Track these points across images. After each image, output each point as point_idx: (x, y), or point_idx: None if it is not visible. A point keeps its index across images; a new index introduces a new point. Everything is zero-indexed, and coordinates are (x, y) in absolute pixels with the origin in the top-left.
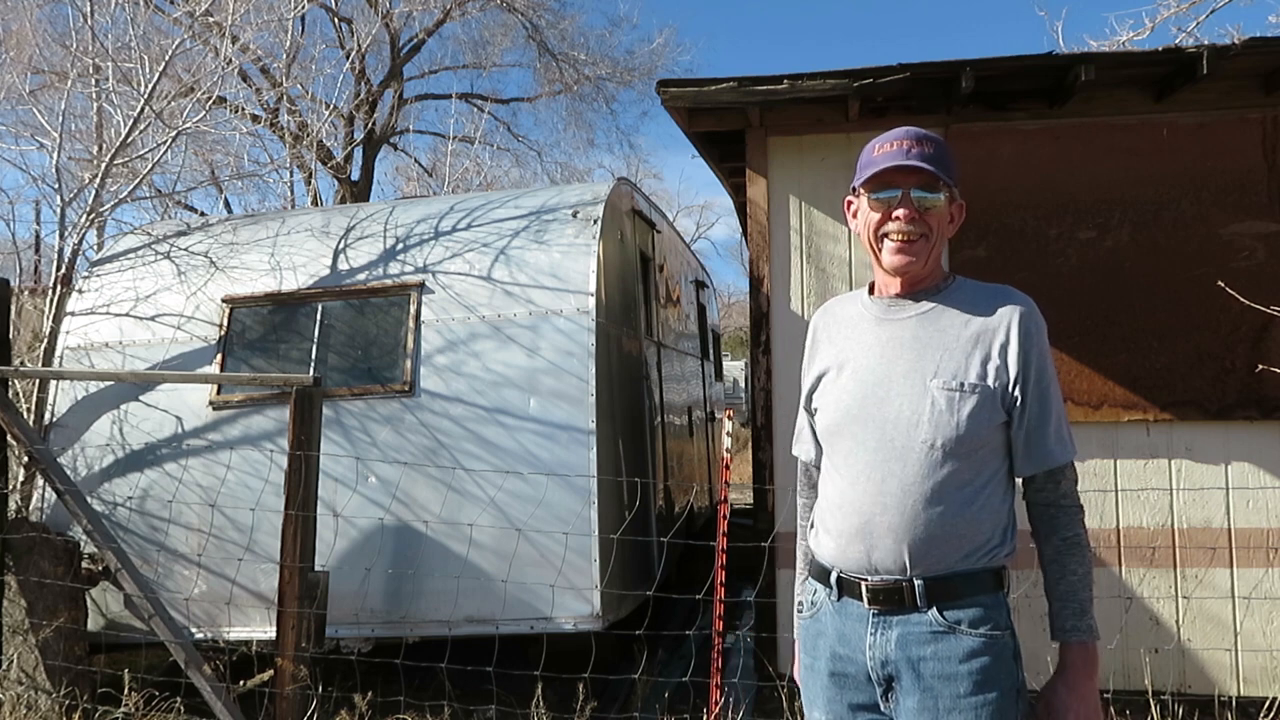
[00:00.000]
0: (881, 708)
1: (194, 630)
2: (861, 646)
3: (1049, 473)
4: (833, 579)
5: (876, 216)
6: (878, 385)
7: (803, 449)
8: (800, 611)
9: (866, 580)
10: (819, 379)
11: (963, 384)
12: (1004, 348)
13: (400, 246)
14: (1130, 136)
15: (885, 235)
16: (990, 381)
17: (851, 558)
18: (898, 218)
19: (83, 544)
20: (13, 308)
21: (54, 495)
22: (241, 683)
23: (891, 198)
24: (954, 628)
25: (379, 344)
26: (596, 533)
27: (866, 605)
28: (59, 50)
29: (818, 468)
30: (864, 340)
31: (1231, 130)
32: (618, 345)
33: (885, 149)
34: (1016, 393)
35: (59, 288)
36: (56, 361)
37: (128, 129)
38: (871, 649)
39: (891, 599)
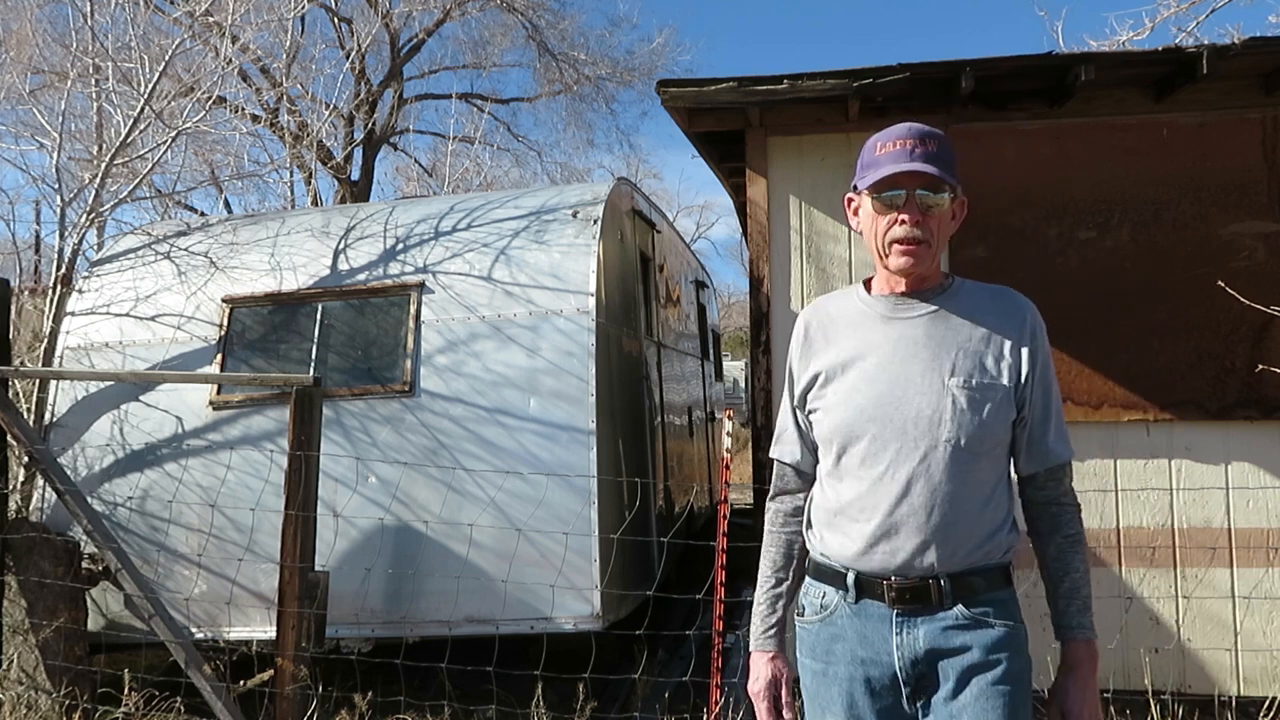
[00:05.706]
0: (906, 708)
1: (194, 630)
2: (887, 648)
3: (1050, 470)
4: (849, 581)
5: (883, 220)
6: (894, 384)
7: (786, 450)
8: (802, 615)
9: (890, 580)
10: (815, 379)
11: (980, 382)
12: (1015, 346)
13: (400, 246)
14: (1130, 136)
15: (892, 240)
16: (1005, 379)
17: (875, 559)
18: (903, 222)
19: (83, 544)
20: (13, 308)
21: (54, 495)
22: (241, 683)
23: (896, 198)
24: (980, 620)
25: (379, 344)
26: (596, 533)
27: (889, 605)
28: (59, 50)
29: (799, 471)
30: (871, 339)
31: (1231, 130)
32: (618, 345)
33: (888, 149)
34: (1026, 391)
35: (59, 288)
36: (56, 361)
37: (128, 129)
38: (900, 649)
39: (919, 597)
